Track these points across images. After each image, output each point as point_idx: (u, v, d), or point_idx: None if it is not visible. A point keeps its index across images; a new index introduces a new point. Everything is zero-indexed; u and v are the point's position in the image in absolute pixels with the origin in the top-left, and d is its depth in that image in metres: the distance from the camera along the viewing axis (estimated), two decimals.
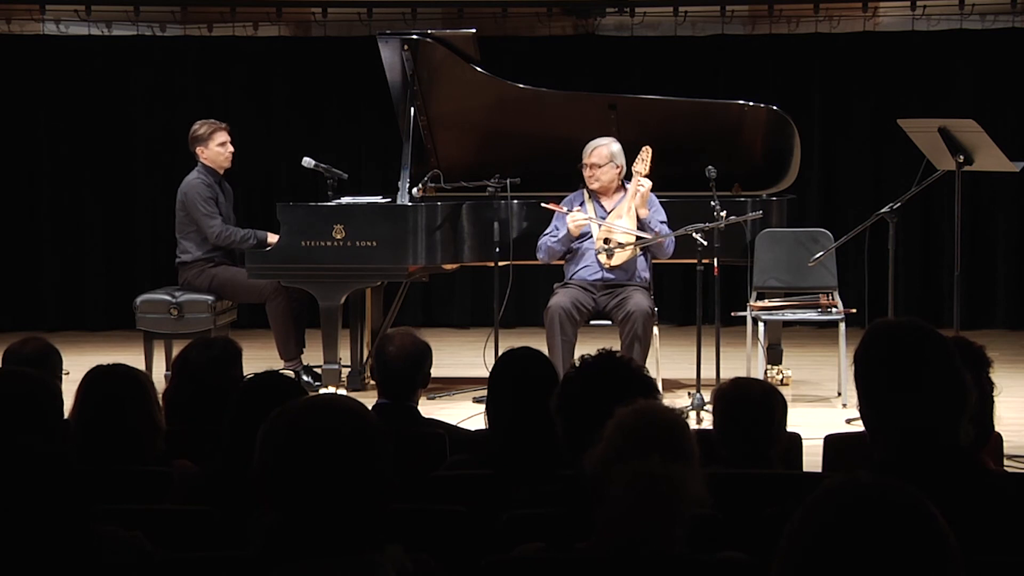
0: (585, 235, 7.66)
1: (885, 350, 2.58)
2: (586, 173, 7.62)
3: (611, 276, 7.57)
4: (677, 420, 2.92)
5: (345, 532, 2.14)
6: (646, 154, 7.55)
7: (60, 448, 2.67)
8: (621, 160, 7.63)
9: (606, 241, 7.55)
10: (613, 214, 7.61)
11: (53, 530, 2.45)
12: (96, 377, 3.73)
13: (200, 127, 8.35)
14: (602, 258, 7.53)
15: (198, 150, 8.30)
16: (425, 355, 4.70)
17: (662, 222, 7.64)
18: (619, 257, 7.52)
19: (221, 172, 8.34)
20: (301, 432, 2.16)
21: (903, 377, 2.54)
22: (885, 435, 2.58)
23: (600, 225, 7.58)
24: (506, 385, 3.81)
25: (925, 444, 2.53)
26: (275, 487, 2.16)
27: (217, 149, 8.28)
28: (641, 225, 7.55)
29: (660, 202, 8.01)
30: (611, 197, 7.70)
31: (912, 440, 2.53)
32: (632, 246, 7.54)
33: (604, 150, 7.61)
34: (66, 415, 3.72)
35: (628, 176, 7.67)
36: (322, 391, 7.72)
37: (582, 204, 7.69)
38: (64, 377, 4.83)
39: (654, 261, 7.80)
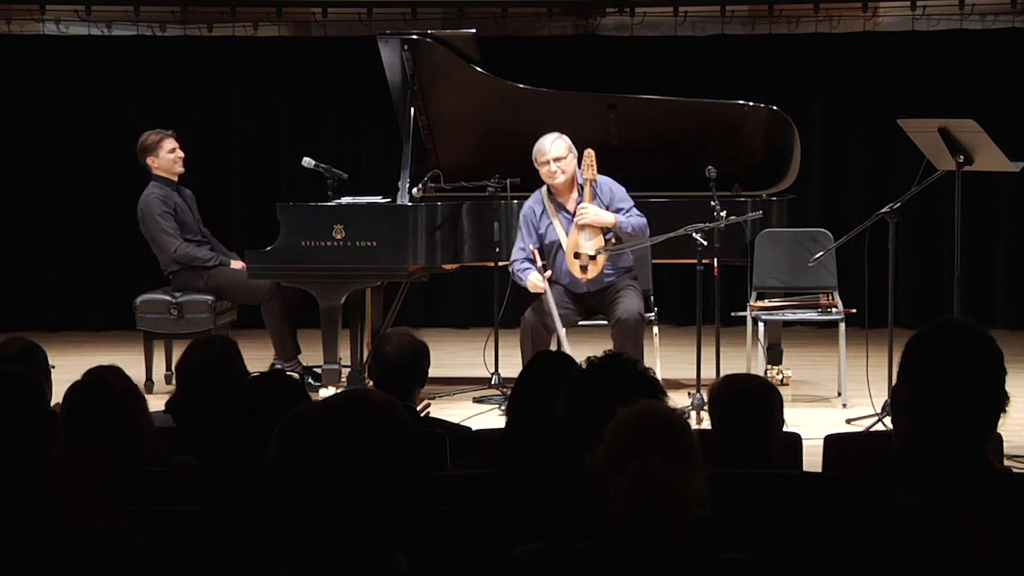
0: (556, 243, 7.54)
1: (949, 339, 2.59)
2: (549, 170, 7.43)
3: (592, 285, 7.51)
4: (679, 420, 2.91)
5: (370, 525, 2.17)
6: (590, 158, 7.44)
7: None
8: (575, 149, 7.51)
9: (576, 256, 7.46)
10: (575, 221, 7.44)
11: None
12: (72, 395, 3.72)
13: (147, 137, 8.32)
14: (575, 271, 7.45)
15: (149, 161, 8.27)
16: (423, 354, 4.71)
17: (631, 208, 7.51)
18: (593, 270, 7.46)
19: (176, 179, 8.32)
20: (340, 425, 2.20)
21: (958, 368, 2.54)
22: (915, 419, 2.57)
23: (573, 226, 7.45)
24: (532, 387, 3.77)
25: (952, 439, 2.53)
26: (304, 481, 2.19)
27: (168, 157, 8.26)
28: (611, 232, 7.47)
29: (659, 202, 8.01)
30: (570, 196, 7.54)
31: (942, 430, 2.53)
32: (604, 251, 7.47)
33: (560, 143, 7.47)
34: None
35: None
36: (322, 391, 7.72)
37: (544, 211, 7.55)
38: (52, 372, 4.81)
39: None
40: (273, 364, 8.18)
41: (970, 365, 2.56)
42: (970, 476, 2.51)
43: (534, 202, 7.61)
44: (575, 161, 7.50)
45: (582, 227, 7.44)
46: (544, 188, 7.59)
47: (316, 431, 2.22)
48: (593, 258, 7.43)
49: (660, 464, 2.63)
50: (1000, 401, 2.58)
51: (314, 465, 2.19)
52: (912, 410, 2.57)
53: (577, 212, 7.44)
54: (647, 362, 3.63)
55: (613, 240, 7.50)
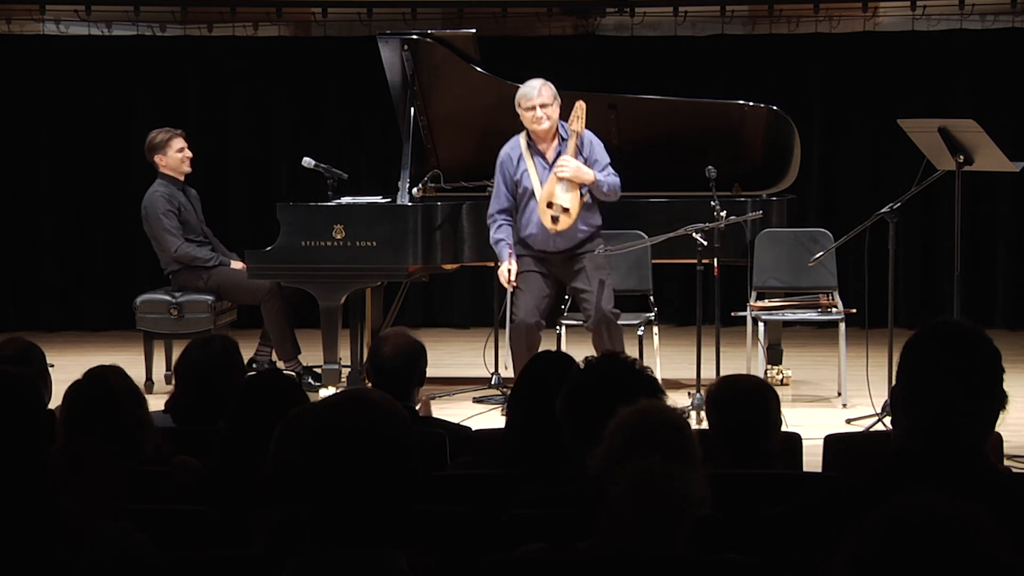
0: (529, 191, 7.41)
1: (948, 339, 2.61)
2: (535, 115, 7.31)
3: (560, 243, 7.39)
4: (679, 420, 2.91)
5: (370, 525, 2.18)
6: (580, 111, 7.31)
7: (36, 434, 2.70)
8: (559, 97, 7.41)
9: (549, 205, 7.32)
10: (554, 170, 7.30)
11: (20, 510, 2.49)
12: (73, 394, 3.73)
13: (156, 135, 8.32)
14: (546, 221, 7.32)
15: (157, 159, 8.28)
16: (420, 354, 4.70)
17: (606, 166, 7.41)
18: (564, 222, 7.32)
19: (182, 179, 8.33)
20: (340, 425, 2.21)
21: (958, 367, 2.56)
22: (916, 418, 2.58)
23: (551, 175, 7.32)
24: (532, 387, 3.76)
25: (952, 436, 2.54)
26: (305, 481, 2.19)
27: (176, 156, 8.27)
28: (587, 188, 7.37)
29: (659, 202, 8.01)
30: (550, 145, 7.43)
31: (941, 428, 2.54)
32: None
33: (547, 89, 7.37)
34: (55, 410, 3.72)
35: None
36: (322, 391, 7.72)
37: (520, 157, 7.42)
38: (52, 372, 4.82)
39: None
40: (251, 361, 8.19)
41: (970, 364, 2.57)
42: (971, 475, 2.51)
43: (511, 148, 7.48)
44: (558, 108, 7.39)
45: (560, 179, 7.33)
46: (523, 134, 7.46)
47: (316, 431, 2.22)
48: (566, 210, 7.31)
49: (660, 464, 2.63)
50: (999, 400, 2.59)
51: (314, 465, 2.19)
52: (912, 409, 2.57)
53: (558, 164, 7.32)
54: (647, 362, 3.63)
55: (586, 196, 7.37)
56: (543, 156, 7.42)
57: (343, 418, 2.22)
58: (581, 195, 7.34)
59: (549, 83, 7.41)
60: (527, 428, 3.67)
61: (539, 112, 7.31)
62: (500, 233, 7.44)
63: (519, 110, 7.38)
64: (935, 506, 1.59)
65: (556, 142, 7.43)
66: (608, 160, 7.43)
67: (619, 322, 7.40)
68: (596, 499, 2.71)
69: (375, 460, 2.18)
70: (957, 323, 2.74)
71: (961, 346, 2.59)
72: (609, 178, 7.37)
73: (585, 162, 7.36)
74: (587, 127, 7.64)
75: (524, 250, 7.46)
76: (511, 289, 7.35)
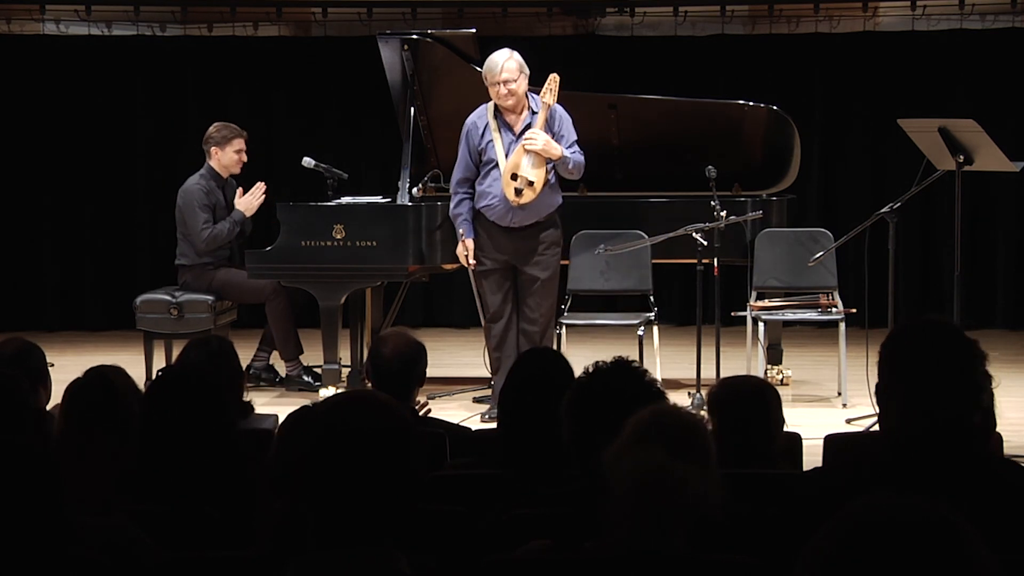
0: (492, 161, 7.27)
1: (927, 335, 2.66)
2: (500, 92, 7.16)
3: (520, 218, 7.26)
4: (695, 421, 2.88)
5: (373, 525, 2.18)
6: (553, 83, 7.15)
7: (32, 439, 2.70)
8: (526, 68, 7.27)
9: (514, 177, 7.17)
10: (520, 144, 7.17)
11: (27, 519, 2.49)
12: (73, 393, 3.74)
13: (221, 129, 8.34)
14: (509, 193, 7.17)
15: (212, 150, 8.29)
16: (420, 354, 4.70)
17: (573, 143, 7.28)
18: (527, 196, 7.17)
19: (226, 177, 8.35)
20: (341, 429, 2.21)
21: (937, 362, 2.60)
22: (900, 408, 2.60)
23: (511, 152, 7.21)
24: (521, 385, 3.75)
25: (941, 428, 2.56)
26: (309, 481, 2.20)
27: (233, 156, 8.30)
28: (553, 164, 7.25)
29: (659, 202, 8.01)
30: (518, 115, 7.28)
31: (930, 424, 2.56)
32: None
33: (512, 63, 7.19)
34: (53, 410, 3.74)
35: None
36: (322, 391, 7.72)
37: (487, 126, 7.29)
38: (52, 372, 4.82)
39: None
40: (248, 367, 8.18)
41: (955, 353, 2.61)
42: (970, 466, 2.53)
43: (477, 116, 7.34)
44: (526, 81, 7.25)
45: (527, 152, 7.17)
46: (491, 103, 7.31)
47: (320, 432, 2.22)
48: (531, 184, 7.16)
49: (664, 457, 2.62)
50: (981, 388, 2.63)
51: (319, 465, 2.20)
52: (896, 404, 2.59)
53: (526, 136, 7.16)
54: (647, 362, 3.63)
55: (551, 173, 7.22)
56: (510, 127, 7.28)
57: (347, 419, 2.22)
58: (547, 171, 7.19)
59: (515, 54, 7.24)
60: (520, 428, 3.66)
61: (502, 89, 7.16)
62: (461, 208, 7.36)
63: (486, 83, 7.25)
64: (898, 507, 1.58)
65: (525, 114, 7.29)
66: (575, 137, 7.30)
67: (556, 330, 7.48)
68: (602, 497, 2.70)
69: (378, 461, 2.19)
70: (934, 318, 2.79)
71: (945, 337, 2.62)
72: (575, 155, 7.23)
73: (553, 136, 7.22)
74: (587, 127, 7.65)
75: (480, 228, 7.33)
76: (472, 268, 7.32)
